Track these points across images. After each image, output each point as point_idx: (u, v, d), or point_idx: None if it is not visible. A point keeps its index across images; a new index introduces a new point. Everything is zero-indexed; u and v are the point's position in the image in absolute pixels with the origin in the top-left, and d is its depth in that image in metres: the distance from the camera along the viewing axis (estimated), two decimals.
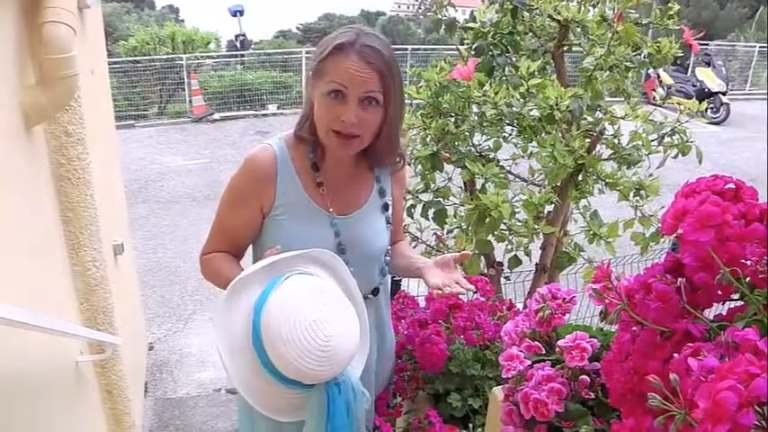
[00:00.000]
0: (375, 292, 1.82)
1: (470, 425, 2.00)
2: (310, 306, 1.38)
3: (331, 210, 1.69)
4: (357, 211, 1.74)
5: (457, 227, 3.00)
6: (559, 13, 2.84)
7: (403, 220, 2.10)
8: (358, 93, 1.53)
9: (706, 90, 12.78)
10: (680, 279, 0.91)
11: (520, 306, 2.50)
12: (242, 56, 15.70)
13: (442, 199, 2.91)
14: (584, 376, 1.27)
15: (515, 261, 2.95)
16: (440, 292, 1.62)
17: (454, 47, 3.32)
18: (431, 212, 2.87)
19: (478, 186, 2.90)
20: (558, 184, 2.81)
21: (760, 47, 16.91)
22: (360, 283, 1.69)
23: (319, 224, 1.68)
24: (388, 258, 1.84)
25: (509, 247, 2.93)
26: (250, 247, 1.80)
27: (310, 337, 1.34)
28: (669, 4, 2.90)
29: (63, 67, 1.72)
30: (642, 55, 2.95)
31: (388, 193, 1.81)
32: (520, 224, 2.78)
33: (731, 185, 0.91)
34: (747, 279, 0.84)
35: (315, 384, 1.40)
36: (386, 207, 1.80)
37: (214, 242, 1.76)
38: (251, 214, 1.68)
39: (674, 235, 0.90)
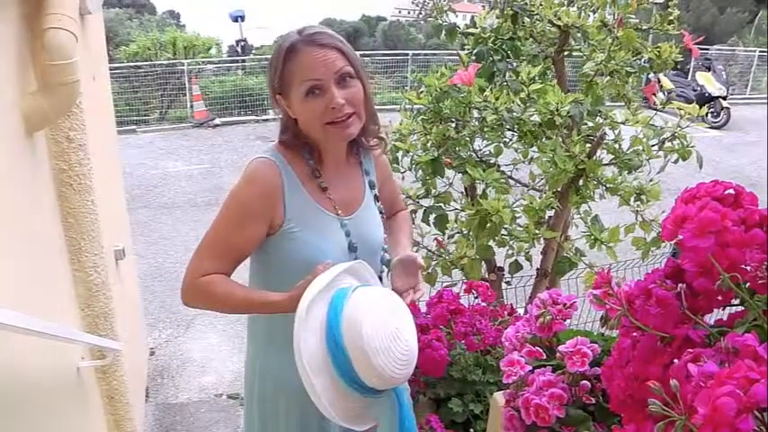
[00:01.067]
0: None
1: (471, 430, 2.00)
2: (389, 314, 1.40)
3: (339, 212, 1.68)
4: (359, 208, 1.74)
5: (458, 232, 3.01)
6: (560, 19, 2.85)
7: (399, 192, 2.09)
8: (332, 76, 1.52)
9: (706, 95, 12.76)
10: (680, 285, 0.92)
11: (521, 311, 2.51)
12: (243, 61, 15.70)
13: (442, 204, 2.91)
14: (584, 381, 1.27)
15: (516, 266, 2.95)
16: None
17: (455, 52, 3.32)
18: (432, 217, 2.87)
19: (479, 191, 2.91)
20: (559, 189, 2.82)
21: (760, 51, 16.92)
22: None
23: (331, 229, 1.66)
24: (386, 247, 1.83)
25: (510, 251, 2.93)
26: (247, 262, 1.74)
27: (397, 344, 1.36)
28: (669, 10, 2.90)
29: (64, 73, 1.73)
30: (642, 60, 2.96)
31: (376, 184, 1.82)
32: (521, 229, 2.78)
33: (731, 191, 0.92)
34: (747, 285, 0.84)
35: (384, 390, 1.42)
36: (376, 198, 1.81)
37: (210, 263, 1.63)
38: (260, 232, 1.62)
39: (675, 241, 0.90)
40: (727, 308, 0.93)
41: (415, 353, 1.41)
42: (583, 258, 3.04)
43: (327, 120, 1.54)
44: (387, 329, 1.36)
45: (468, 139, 2.85)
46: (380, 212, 1.81)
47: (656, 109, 2.97)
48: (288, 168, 1.63)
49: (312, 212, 1.64)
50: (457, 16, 3.18)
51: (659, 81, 3.11)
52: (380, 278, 1.82)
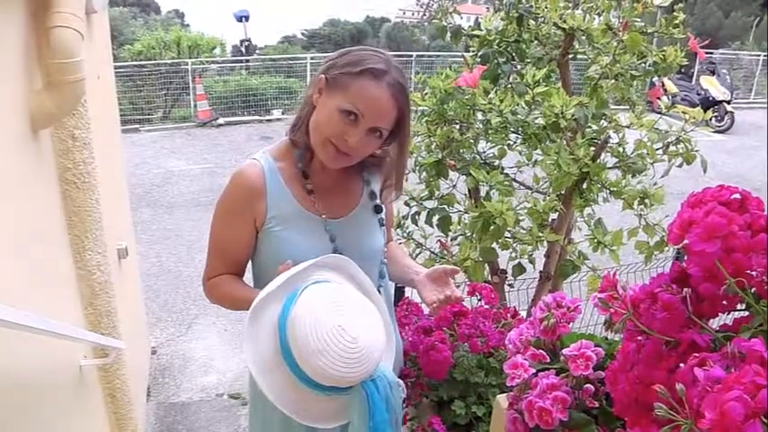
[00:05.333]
0: None
1: None
2: (331, 312, 1.38)
3: (323, 215, 1.68)
4: (350, 213, 1.74)
5: (461, 234, 3.00)
6: (565, 22, 2.84)
7: (392, 222, 2.09)
8: (372, 123, 1.53)
9: (710, 99, 12.77)
10: (686, 289, 0.92)
11: (523, 314, 2.50)
12: (247, 61, 15.71)
13: (446, 206, 2.91)
14: (588, 385, 1.27)
15: (519, 269, 2.95)
16: (435, 305, 1.64)
17: (459, 54, 3.32)
18: (435, 219, 2.87)
19: (483, 194, 2.90)
20: (563, 192, 2.81)
21: (764, 56, 16.90)
22: None
23: (314, 231, 1.67)
24: (386, 260, 1.84)
25: (513, 254, 2.92)
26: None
27: (338, 341, 1.34)
28: (674, 13, 2.90)
29: (70, 72, 1.73)
30: (647, 63, 2.96)
31: (379, 196, 1.81)
32: (524, 232, 2.78)
33: (737, 196, 0.92)
34: (753, 290, 0.84)
35: (352, 386, 1.41)
36: (378, 209, 1.79)
37: (215, 265, 1.74)
38: (247, 230, 1.67)
39: (680, 245, 0.90)
40: (733, 313, 0.93)
41: (369, 349, 1.38)
42: (586, 262, 3.04)
43: (333, 141, 1.55)
44: (324, 328, 1.35)
45: (472, 141, 2.85)
46: (381, 224, 1.80)
47: (660, 113, 2.97)
48: (273, 168, 1.66)
49: (294, 213, 1.66)
50: (461, 18, 3.17)
51: (663, 85, 3.11)
52: (379, 291, 1.79)
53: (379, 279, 1.81)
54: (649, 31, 2.92)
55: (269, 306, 1.46)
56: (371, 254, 1.77)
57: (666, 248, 2.90)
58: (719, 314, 0.92)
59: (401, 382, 1.54)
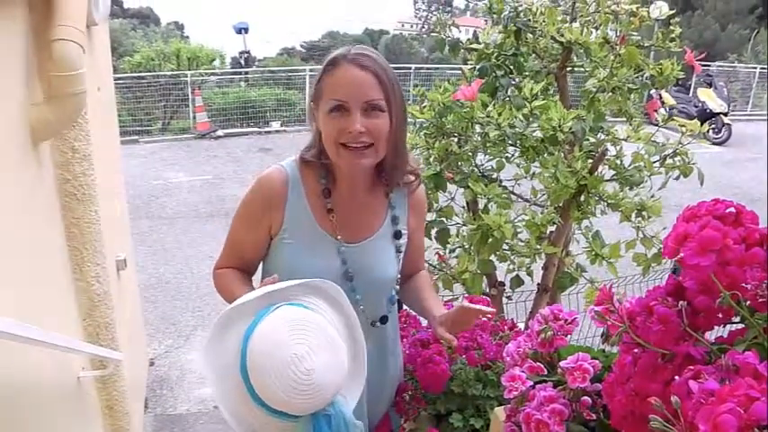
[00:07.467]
0: (383, 320, 1.80)
1: None
2: (293, 338, 1.36)
3: (339, 237, 1.66)
4: (368, 239, 1.71)
5: (459, 246, 3.00)
6: (562, 35, 2.86)
7: (424, 249, 2.02)
8: (360, 102, 1.51)
9: (708, 111, 12.80)
10: (681, 302, 0.92)
11: (521, 326, 2.51)
12: (246, 73, 15.78)
13: (444, 218, 2.91)
14: (585, 397, 1.27)
15: (517, 281, 2.95)
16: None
17: (457, 66, 3.34)
18: (433, 232, 2.87)
19: (481, 206, 2.91)
20: (561, 205, 2.82)
21: (761, 68, 16.97)
22: (367, 311, 1.70)
23: (326, 250, 1.66)
24: (397, 287, 1.81)
25: (511, 267, 2.93)
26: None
27: (291, 370, 1.32)
28: (670, 27, 2.92)
29: (71, 85, 1.74)
30: (644, 76, 2.97)
31: (402, 221, 1.77)
32: (522, 244, 2.78)
33: (732, 210, 0.92)
34: (747, 303, 0.85)
35: (301, 416, 1.38)
36: (397, 235, 1.76)
37: (226, 258, 1.76)
38: (259, 233, 1.67)
39: (676, 258, 0.91)
40: (728, 325, 0.94)
41: (322, 385, 1.35)
42: (584, 274, 3.04)
43: (342, 141, 1.54)
44: (284, 352, 1.33)
45: (470, 154, 2.86)
46: (398, 251, 1.77)
47: (657, 125, 2.98)
48: (297, 180, 1.65)
49: (309, 229, 1.66)
50: (460, 31, 3.20)
51: (661, 97, 3.12)
52: (386, 318, 1.80)
53: (388, 305, 1.80)
54: (646, 44, 2.94)
55: (243, 316, 1.45)
56: (381, 283, 1.75)
57: (664, 261, 2.91)
58: (715, 327, 0.93)
59: (360, 424, 1.49)
